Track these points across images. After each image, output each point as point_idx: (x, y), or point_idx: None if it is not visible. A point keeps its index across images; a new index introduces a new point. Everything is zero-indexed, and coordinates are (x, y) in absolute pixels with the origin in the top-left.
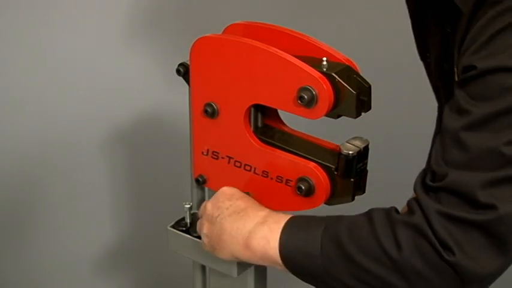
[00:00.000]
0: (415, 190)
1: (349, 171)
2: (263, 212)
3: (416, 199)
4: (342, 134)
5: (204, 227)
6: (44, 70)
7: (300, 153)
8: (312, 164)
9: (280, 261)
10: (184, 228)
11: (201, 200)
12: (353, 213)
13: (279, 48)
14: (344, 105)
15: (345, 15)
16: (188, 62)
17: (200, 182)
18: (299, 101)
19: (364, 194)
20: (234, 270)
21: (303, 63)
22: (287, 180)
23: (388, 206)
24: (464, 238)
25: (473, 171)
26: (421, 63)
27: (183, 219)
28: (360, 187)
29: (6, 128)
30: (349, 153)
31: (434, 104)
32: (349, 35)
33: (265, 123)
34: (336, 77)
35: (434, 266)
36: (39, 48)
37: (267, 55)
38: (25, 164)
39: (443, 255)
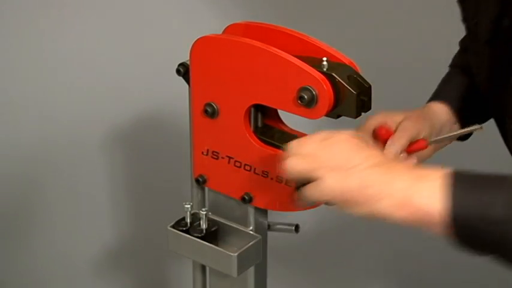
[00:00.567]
0: None
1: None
2: (408, 165)
3: None
4: None
5: (329, 177)
6: (44, 70)
7: None
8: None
9: (444, 224)
10: (184, 228)
11: (201, 200)
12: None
13: (279, 48)
14: (344, 105)
15: (345, 15)
16: (188, 62)
17: (200, 182)
18: (299, 101)
19: None
20: (234, 270)
21: (303, 63)
22: (287, 180)
23: None
24: None
25: None
26: (420, 63)
27: (183, 219)
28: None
29: (6, 128)
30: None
31: None
32: (349, 35)
33: (265, 123)
34: (336, 77)
35: None
36: (39, 48)
37: (267, 55)
38: (25, 164)
39: None
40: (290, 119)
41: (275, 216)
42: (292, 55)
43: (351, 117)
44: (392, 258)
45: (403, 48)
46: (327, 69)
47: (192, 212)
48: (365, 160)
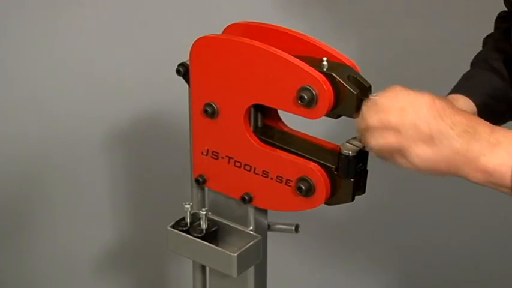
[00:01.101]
0: None
1: (349, 171)
2: (489, 128)
3: None
4: (342, 134)
5: (418, 150)
6: (43, 70)
7: (300, 153)
8: (312, 164)
9: (511, 185)
10: (184, 228)
11: (201, 200)
12: (353, 213)
13: (279, 48)
14: (344, 105)
15: (345, 15)
16: (188, 62)
17: (200, 182)
18: (299, 101)
19: (364, 194)
20: (234, 270)
21: (303, 63)
22: (287, 180)
23: (388, 205)
24: None
25: None
26: (420, 63)
27: (183, 219)
28: (360, 187)
29: (6, 127)
30: (349, 153)
31: None
32: (349, 35)
33: (265, 123)
34: (336, 77)
35: None
36: (39, 48)
37: (267, 55)
38: (25, 164)
39: None
40: (290, 119)
41: (275, 216)
42: (292, 55)
43: (351, 117)
44: (392, 258)
45: (403, 48)
46: (327, 69)
47: (192, 212)
48: (450, 128)
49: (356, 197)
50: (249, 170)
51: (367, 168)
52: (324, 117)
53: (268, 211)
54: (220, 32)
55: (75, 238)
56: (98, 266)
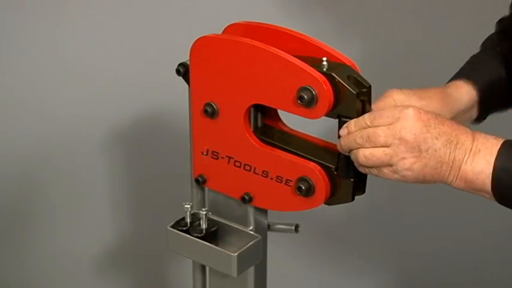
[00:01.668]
0: None
1: (349, 171)
2: (470, 137)
3: None
4: None
5: (407, 162)
6: (43, 70)
7: (300, 153)
8: (312, 164)
9: (491, 191)
10: (184, 228)
11: (201, 200)
12: (353, 213)
13: (279, 48)
14: (344, 105)
15: (345, 15)
16: (188, 62)
17: (200, 182)
18: (299, 101)
19: (364, 194)
20: (234, 270)
21: (303, 63)
22: (287, 180)
23: (388, 205)
24: None
25: None
26: (420, 63)
27: (183, 219)
28: (360, 187)
29: (6, 127)
30: (348, 154)
31: None
32: (349, 35)
33: (265, 123)
34: (336, 77)
35: None
36: (39, 48)
37: (267, 55)
38: (25, 164)
39: None
40: (290, 119)
41: (275, 216)
42: (292, 55)
43: (351, 117)
44: (392, 258)
45: (404, 48)
46: (327, 69)
47: (192, 212)
48: (436, 138)
49: (356, 197)
50: (249, 170)
51: None
52: (324, 117)
53: (268, 211)
54: (220, 32)
55: (75, 238)
56: (97, 266)
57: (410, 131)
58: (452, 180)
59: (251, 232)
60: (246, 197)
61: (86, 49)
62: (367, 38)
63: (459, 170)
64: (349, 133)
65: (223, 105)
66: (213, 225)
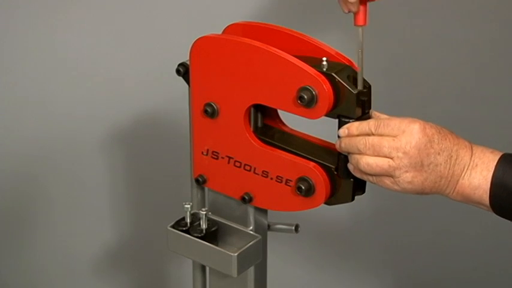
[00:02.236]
0: None
1: (349, 171)
2: (469, 151)
3: None
4: None
5: (408, 175)
6: (44, 70)
7: (300, 153)
8: (312, 164)
9: (489, 205)
10: (184, 228)
11: (201, 200)
12: (353, 213)
13: (279, 48)
14: (344, 105)
15: (345, 15)
16: (188, 62)
17: (200, 182)
18: (299, 101)
19: (364, 194)
20: (234, 270)
21: (303, 63)
22: (287, 180)
23: (388, 205)
24: None
25: None
26: (420, 63)
27: (183, 219)
28: (360, 187)
29: (6, 127)
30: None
31: (434, 103)
32: (349, 35)
33: (265, 123)
34: (336, 77)
35: None
36: (38, 48)
37: (267, 55)
38: (25, 163)
39: None
40: (290, 119)
41: (275, 216)
42: (292, 55)
43: (351, 117)
44: (392, 258)
45: (403, 48)
46: (326, 69)
47: (192, 212)
48: (438, 154)
49: (356, 197)
50: (249, 170)
51: None
52: (324, 117)
53: (268, 211)
54: (220, 32)
55: (75, 238)
56: (97, 266)
57: (415, 146)
58: (449, 193)
59: (251, 232)
60: (246, 197)
61: (86, 49)
62: (367, 38)
63: (457, 184)
64: (349, 135)
65: (223, 105)
66: (213, 225)
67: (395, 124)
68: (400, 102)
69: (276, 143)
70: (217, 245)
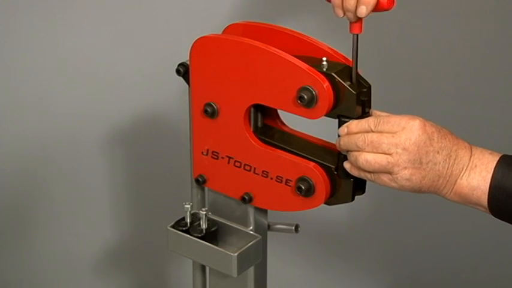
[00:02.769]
0: None
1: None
2: (468, 152)
3: None
4: None
5: (407, 172)
6: (44, 69)
7: (300, 153)
8: (312, 164)
9: (487, 206)
10: (184, 228)
11: (201, 200)
12: (353, 213)
13: (279, 48)
14: (344, 105)
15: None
16: (188, 62)
17: (200, 182)
18: (299, 101)
19: (364, 194)
20: (234, 270)
21: (303, 63)
22: (287, 180)
23: (388, 205)
24: None
25: None
26: (420, 63)
27: (183, 219)
28: (360, 187)
29: (7, 127)
30: None
31: (433, 103)
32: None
33: (265, 123)
34: (336, 77)
35: None
36: (39, 48)
37: (267, 55)
38: (25, 163)
39: None
40: (290, 119)
41: (275, 216)
42: (292, 55)
43: (351, 117)
44: (392, 258)
45: (403, 48)
46: (326, 69)
47: (192, 212)
48: (437, 153)
49: (356, 197)
50: (249, 170)
51: None
52: (324, 117)
53: (268, 211)
54: (220, 32)
55: (75, 238)
56: (97, 266)
57: (414, 142)
58: (446, 193)
59: (251, 232)
60: (246, 197)
61: (86, 49)
62: (367, 38)
63: (455, 184)
64: (349, 133)
65: (223, 105)
66: (213, 225)
67: (395, 121)
68: (399, 102)
69: (276, 143)
70: (217, 245)
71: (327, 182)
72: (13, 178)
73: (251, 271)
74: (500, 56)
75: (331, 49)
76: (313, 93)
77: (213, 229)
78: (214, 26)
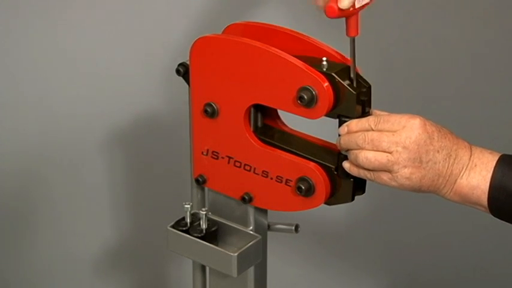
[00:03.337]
0: None
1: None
2: (468, 151)
3: None
4: None
5: (406, 171)
6: (44, 70)
7: (300, 153)
8: (312, 164)
9: (486, 206)
10: (184, 228)
11: (201, 200)
12: (353, 213)
13: (279, 48)
14: (344, 105)
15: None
16: (188, 62)
17: (200, 182)
18: (299, 101)
19: (364, 194)
20: (234, 270)
21: (303, 63)
22: (287, 180)
23: (387, 205)
24: None
25: None
26: (420, 63)
27: (183, 219)
28: (360, 187)
29: (7, 126)
30: None
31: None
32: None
33: (265, 123)
34: (336, 77)
35: None
36: (39, 47)
37: (267, 55)
38: (25, 163)
39: None
40: (290, 119)
41: (275, 216)
42: (292, 55)
43: (351, 117)
44: (392, 258)
45: (403, 48)
46: (326, 69)
47: (192, 212)
48: (437, 152)
49: (356, 197)
50: (249, 170)
51: None
52: (324, 117)
53: (268, 211)
54: (220, 32)
55: (75, 238)
56: (97, 266)
57: (415, 141)
58: (446, 193)
59: (251, 232)
60: (246, 197)
61: (86, 49)
62: (367, 38)
63: (454, 184)
64: (349, 132)
65: (223, 105)
66: (213, 225)
67: (396, 119)
68: (399, 102)
69: (276, 143)
70: (217, 245)
71: (327, 182)
72: (13, 178)
73: (251, 271)
74: (500, 56)
75: (331, 49)
76: (313, 93)
77: (213, 229)
78: (214, 26)
